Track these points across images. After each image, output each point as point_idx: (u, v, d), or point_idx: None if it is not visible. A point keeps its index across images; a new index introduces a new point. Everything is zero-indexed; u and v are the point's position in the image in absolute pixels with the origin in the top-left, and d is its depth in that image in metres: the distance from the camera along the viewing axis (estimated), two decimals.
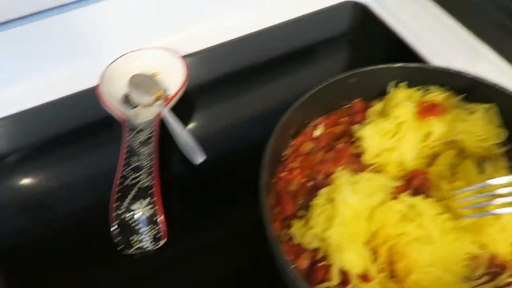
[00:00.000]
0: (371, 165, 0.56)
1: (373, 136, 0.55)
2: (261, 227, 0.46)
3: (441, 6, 0.86)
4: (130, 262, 0.58)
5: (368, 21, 0.90)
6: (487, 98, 0.57)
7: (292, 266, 0.50)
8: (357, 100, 0.63)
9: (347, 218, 0.48)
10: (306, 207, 0.53)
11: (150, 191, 0.59)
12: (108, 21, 0.83)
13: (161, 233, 0.57)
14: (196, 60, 0.83)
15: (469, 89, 0.57)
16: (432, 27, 0.85)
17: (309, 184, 0.56)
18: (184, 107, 0.74)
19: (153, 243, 0.57)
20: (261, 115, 0.72)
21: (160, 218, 0.57)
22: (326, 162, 0.56)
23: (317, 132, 0.61)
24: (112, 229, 0.57)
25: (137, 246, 0.57)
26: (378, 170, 0.55)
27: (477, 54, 0.78)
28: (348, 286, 0.47)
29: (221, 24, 0.88)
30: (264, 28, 0.88)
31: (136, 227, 0.57)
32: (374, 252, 0.49)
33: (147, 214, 0.58)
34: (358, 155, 0.57)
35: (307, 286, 0.43)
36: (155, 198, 0.58)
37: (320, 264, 0.49)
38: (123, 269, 0.58)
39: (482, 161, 0.54)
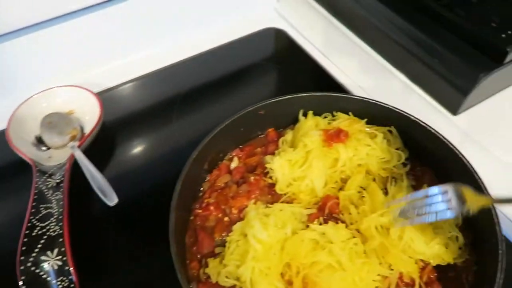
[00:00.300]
0: (284, 195, 0.56)
1: (283, 167, 0.56)
2: None
3: (355, 33, 0.90)
4: None
5: (288, 46, 0.93)
6: (387, 121, 0.60)
7: None
8: (270, 129, 0.64)
9: (259, 253, 0.48)
10: (224, 243, 0.53)
11: (59, 240, 0.56)
12: (20, 60, 0.78)
13: (73, 284, 0.54)
14: (114, 95, 0.81)
15: (371, 113, 0.60)
16: (345, 51, 0.89)
17: (226, 219, 0.55)
18: (101, 145, 0.71)
19: None
20: (181, 150, 0.70)
21: (71, 269, 0.54)
22: (240, 196, 0.56)
23: (233, 165, 0.61)
24: (20, 284, 0.53)
25: None
26: (291, 199, 0.56)
27: (389, 76, 0.83)
28: None
29: (139, 57, 0.87)
30: (186, 58, 0.88)
31: (47, 280, 0.54)
32: (290, 283, 0.49)
33: (57, 265, 0.54)
34: (272, 186, 0.57)
35: None
36: (65, 248, 0.55)
37: None
38: None
39: (388, 182, 0.57)
